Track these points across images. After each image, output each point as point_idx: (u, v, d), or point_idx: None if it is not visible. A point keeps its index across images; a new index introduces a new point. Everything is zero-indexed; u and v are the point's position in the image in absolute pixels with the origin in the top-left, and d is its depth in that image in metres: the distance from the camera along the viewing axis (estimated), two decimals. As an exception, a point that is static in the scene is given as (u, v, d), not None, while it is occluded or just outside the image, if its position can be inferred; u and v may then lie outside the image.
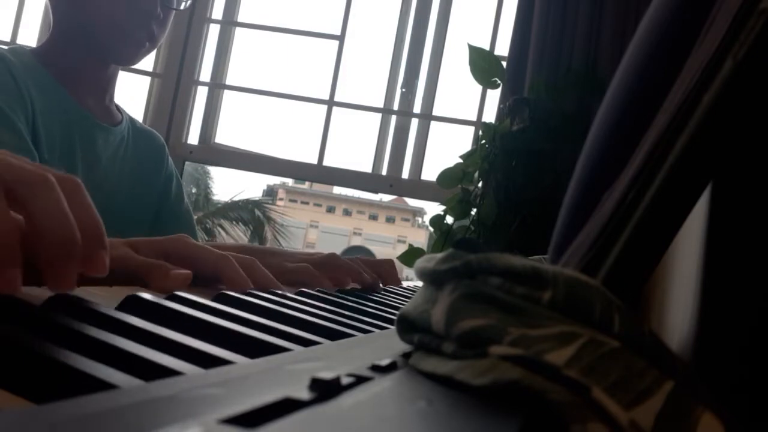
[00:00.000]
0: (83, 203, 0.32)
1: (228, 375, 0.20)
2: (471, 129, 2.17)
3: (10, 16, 2.47)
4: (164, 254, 0.49)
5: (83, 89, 1.01)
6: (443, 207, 1.84)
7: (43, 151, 0.90)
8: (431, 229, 1.88)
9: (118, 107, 1.10)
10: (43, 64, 0.97)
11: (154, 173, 1.12)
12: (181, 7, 1.05)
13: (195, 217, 1.26)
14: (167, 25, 1.03)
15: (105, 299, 0.32)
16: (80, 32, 0.98)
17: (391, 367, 0.22)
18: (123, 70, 1.08)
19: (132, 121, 1.12)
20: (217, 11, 2.41)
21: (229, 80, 2.43)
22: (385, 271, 0.91)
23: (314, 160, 2.27)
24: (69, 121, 0.96)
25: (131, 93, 2.10)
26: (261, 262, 0.54)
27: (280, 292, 0.49)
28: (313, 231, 29.42)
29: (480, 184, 1.80)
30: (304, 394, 0.16)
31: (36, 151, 0.88)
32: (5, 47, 0.96)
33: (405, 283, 0.94)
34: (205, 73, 2.38)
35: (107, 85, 1.05)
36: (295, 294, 0.51)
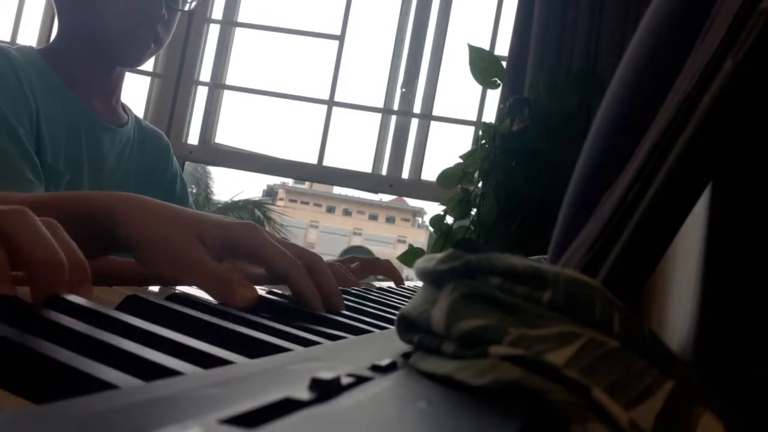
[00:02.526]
0: (63, 239, 0.32)
1: (228, 375, 0.20)
2: (471, 129, 2.17)
3: (10, 16, 2.47)
4: (232, 245, 0.47)
5: (90, 90, 1.01)
6: (443, 207, 1.84)
7: (47, 152, 0.90)
8: (431, 229, 1.88)
9: (124, 107, 1.10)
10: (49, 65, 0.97)
11: (159, 173, 1.13)
12: (186, 8, 1.05)
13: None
14: (173, 27, 1.03)
15: (105, 299, 0.32)
16: (86, 34, 0.98)
17: (391, 367, 0.22)
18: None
19: (138, 121, 1.12)
20: (217, 11, 2.41)
21: (229, 80, 2.43)
22: (385, 269, 0.91)
23: (314, 160, 2.27)
24: (75, 122, 0.96)
25: (131, 93, 2.10)
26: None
27: (280, 291, 0.49)
28: (313, 231, 29.42)
29: (480, 184, 1.80)
30: (304, 394, 0.16)
31: (39, 154, 0.88)
32: (12, 47, 0.96)
33: (405, 283, 0.94)
34: (205, 73, 2.38)
35: (114, 87, 1.05)
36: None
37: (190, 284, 0.45)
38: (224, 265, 0.45)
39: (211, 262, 0.44)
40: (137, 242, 0.46)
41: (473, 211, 1.78)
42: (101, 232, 0.47)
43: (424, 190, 2.21)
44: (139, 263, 0.46)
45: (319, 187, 27.22)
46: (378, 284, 0.87)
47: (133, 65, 1.03)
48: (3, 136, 0.83)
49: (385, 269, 0.93)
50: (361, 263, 0.88)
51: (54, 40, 1.02)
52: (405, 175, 2.25)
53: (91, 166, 0.98)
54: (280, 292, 0.52)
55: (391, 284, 0.91)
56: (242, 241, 0.47)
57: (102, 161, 1.00)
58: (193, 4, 1.06)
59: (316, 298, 0.46)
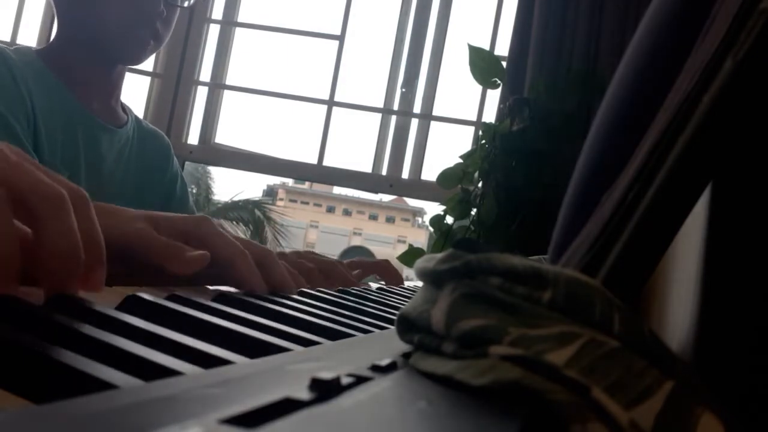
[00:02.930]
0: (88, 217, 0.33)
1: (228, 375, 0.20)
2: (471, 129, 2.17)
3: (10, 16, 2.47)
4: (184, 234, 0.48)
5: (88, 90, 1.00)
6: (443, 207, 1.84)
7: (44, 153, 0.90)
8: (431, 229, 1.88)
9: (124, 107, 1.10)
10: (47, 65, 0.96)
11: (159, 174, 1.12)
12: (185, 5, 1.05)
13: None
14: (172, 24, 1.03)
15: (105, 299, 0.32)
16: (84, 33, 0.98)
17: (391, 367, 0.22)
18: (123, 69, 1.08)
19: (138, 121, 1.12)
20: (217, 11, 2.41)
21: (229, 80, 2.43)
22: (385, 271, 0.91)
23: (314, 160, 2.27)
24: (72, 122, 0.96)
25: (131, 93, 2.10)
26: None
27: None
28: (313, 231, 29.43)
29: (480, 184, 1.80)
30: (304, 394, 0.16)
31: (37, 153, 0.88)
32: (10, 47, 0.96)
33: (405, 283, 0.94)
34: (205, 73, 2.38)
35: (113, 86, 1.05)
36: (295, 294, 0.51)
37: (175, 280, 0.45)
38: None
39: (162, 238, 0.46)
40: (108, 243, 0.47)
41: (473, 211, 1.78)
42: None
43: (424, 190, 2.21)
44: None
45: (319, 187, 27.23)
46: (377, 284, 0.87)
47: (132, 63, 1.03)
48: (3, 135, 0.83)
49: (386, 272, 0.92)
50: (363, 270, 0.87)
51: (53, 40, 1.02)
52: (405, 175, 2.26)
53: (88, 165, 0.97)
54: (310, 291, 0.52)
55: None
56: (192, 231, 0.49)
57: (100, 161, 1.00)
58: (192, 0, 1.06)
59: (256, 277, 0.48)
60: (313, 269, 0.66)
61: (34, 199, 0.30)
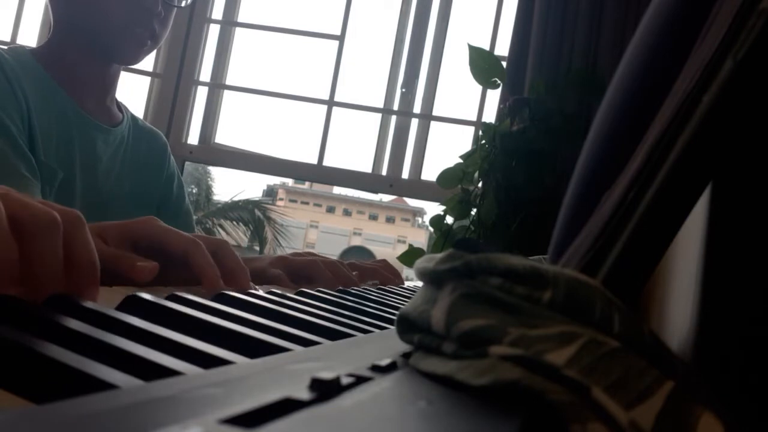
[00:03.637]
0: (83, 239, 0.33)
1: (228, 375, 0.20)
2: (471, 129, 2.17)
3: (10, 16, 2.47)
4: (132, 239, 0.48)
5: (83, 90, 1.00)
6: (443, 207, 1.84)
7: (39, 152, 0.90)
8: (431, 229, 1.88)
9: (120, 106, 1.09)
10: (42, 65, 0.96)
11: (155, 173, 1.12)
12: (182, 5, 1.05)
13: (195, 217, 1.26)
14: (169, 23, 1.03)
15: (105, 299, 0.32)
16: (81, 32, 0.98)
17: (391, 367, 0.22)
18: (123, 69, 1.08)
19: (134, 120, 1.11)
20: (217, 11, 2.41)
21: (229, 80, 2.43)
22: (382, 276, 0.91)
23: (314, 160, 2.27)
24: (67, 122, 0.96)
25: (131, 93, 2.11)
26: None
27: (279, 291, 0.49)
28: (313, 231, 29.42)
29: (480, 184, 1.80)
30: (304, 394, 0.16)
31: (32, 153, 0.88)
32: (4, 47, 0.96)
33: (405, 283, 0.94)
34: (205, 73, 2.38)
35: (109, 86, 1.05)
36: (295, 294, 0.51)
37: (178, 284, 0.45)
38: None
39: (110, 248, 0.46)
40: None
41: (473, 211, 1.78)
42: None
43: (424, 190, 2.21)
44: None
45: (319, 187, 27.24)
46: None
47: (129, 63, 1.03)
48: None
49: (385, 275, 0.91)
50: (360, 274, 0.87)
51: (48, 39, 1.02)
52: (405, 175, 2.26)
53: (83, 165, 0.97)
54: (310, 292, 0.52)
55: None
56: (142, 233, 0.49)
57: (95, 160, 1.00)
58: (190, 0, 1.06)
59: (214, 271, 0.48)
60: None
61: (28, 222, 0.30)
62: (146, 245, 0.48)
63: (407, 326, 0.25)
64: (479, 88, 2.03)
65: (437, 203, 2.00)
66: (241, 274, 0.50)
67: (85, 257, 0.33)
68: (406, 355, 0.25)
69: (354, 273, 0.82)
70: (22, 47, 1.00)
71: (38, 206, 0.31)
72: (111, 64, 1.02)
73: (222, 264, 0.49)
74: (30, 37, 2.54)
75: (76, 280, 0.32)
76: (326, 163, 2.27)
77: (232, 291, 0.44)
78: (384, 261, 0.96)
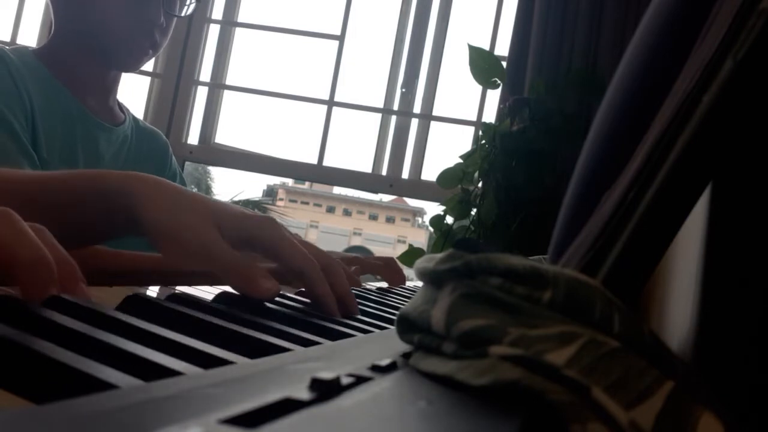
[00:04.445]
0: (50, 241, 0.32)
1: (228, 375, 0.20)
2: (471, 129, 2.17)
3: (10, 16, 2.47)
4: (249, 237, 0.46)
5: (86, 89, 1.01)
6: (443, 207, 1.84)
7: (43, 151, 0.90)
8: (431, 229, 1.88)
9: (121, 107, 1.10)
10: (44, 65, 0.97)
11: (157, 172, 1.12)
12: (183, 14, 1.05)
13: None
14: (170, 32, 1.03)
15: (105, 299, 0.32)
16: (83, 38, 0.98)
17: (391, 367, 0.22)
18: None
19: (135, 120, 1.12)
20: (217, 11, 2.41)
21: (229, 80, 2.43)
22: (388, 270, 0.90)
23: (314, 160, 2.27)
24: (70, 121, 0.96)
25: (131, 93, 2.11)
26: None
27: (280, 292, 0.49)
28: (313, 231, 29.42)
29: (480, 184, 1.80)
30: (304, 394, 0.16)
31: (35, 152, 0.88)
32: (7, 47, 0.96)
33: (406, 283, 0.94)
34: (205, 73, 2.38)
35: (110, 86, 1.05)
36: (295, 294, 0.51)
37: (195, 282, 0.45)
38: (244, 256, 0.44)
39: (233, 253, 0.43)
40: (156, 229, 0.45)
41: (473, 211, 1.78)
42: (115, 213, 0.46)
43: (424, 190, 2.21)
44: (157, 249, 0.45)
45: (319, 187, 27.23)
46: (377, 284, 0.87)
47: (129, 70, 1.04)
48: (2, 133, 0.83)
49: (388, 272, 0.91)
50: (362, 267, 0.87)
51: (49, 39, 1.02)
52: (405, 175, 2.26)
53: (86, 164, 0.98)
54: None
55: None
56: (260, 235, 0.46)
57: (98, 159, 1.00)
58: (191, 9, 1.06)
59: (333, 302, 0.46)
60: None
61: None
62: (261, 249, 0.46)
63: (407, 326, 0.25)
64: (479, 88, 2.03)
65: (437, 203, 2.00)
66: (351, 301, 0.48)
67: (56, 256, 0.31)
68: (406, 355, 0.25)
69: (354, 268, 0.82)
70: (25, 47, 1.01)
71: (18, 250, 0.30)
72: (111, 69, 1.03)
73: (332, 287, 0.47)
74: (30, 37, 2.54)
75: (63, 284, 0.30)
76: (326, 163, 2.27)
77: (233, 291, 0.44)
78: (390, 259, 0.95)
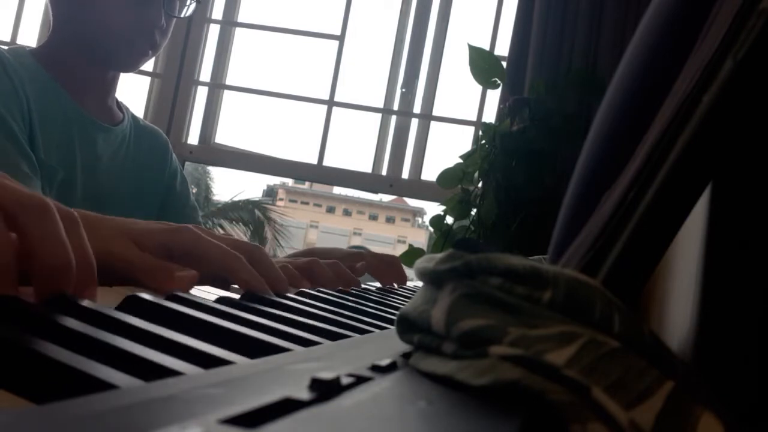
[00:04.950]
0: (79, 235, 0.32)
1: (228, 375, 0.20)
2: (471, 129, 2.17)
3: (10, 16, 2.47)
4: (167, 248, 0.47)
5: (83, 90, 1.01)
6: (443, 207, 1.84)
7: (40, 152, 0.90)
8: (431, 229, 1.88)
9: (120, 106, 1.10)
10: (42, 65, 0.97)
11: (156, 172, 1.12)
12: (182, 15, 1.06)
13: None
14: (170, 32, 1.03)
15: (105, 299, 0.32)
16: (82, 38, 0.98)
17: (391, 367, 0.22)
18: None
19: (134, 119, 1.12)
20: (217, 11, 2.41)
21: (229, 80, 2.43)
22: (391, 268, 0.90)
23: (314, 160, 2.27)
24: (68, 121, 0.96)
25: (131, 93, 2.11)
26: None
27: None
28: (313, 231, 29.43)
29: (480, 184, 1.80)
30: (304, 394, 0.16)
31: (33, 152, 0.88)
32: (5, 47, 0.96)
33: (406, 283, 0.94)
34: (205, 73, 2.38)
35: (109, 86, 1.05)
36: (295, 294, 0.51)
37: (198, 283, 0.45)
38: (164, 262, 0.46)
39: (147, 256, 0.45)
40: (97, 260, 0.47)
41: (473, 211, 1.78)
42: None
43: (424, 190, 2.21)
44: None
45: (319, 187, 27.25)
46: (377, 284, 0.87)
47: (128, 70, 1.04)
48: (1, 134, 0.83)
49: (390, 270, 0.91)
50: (366, 264, 0.87)
51: (47, 39, 1.02)
52: (405, 175, 2.26)
53: (84, 164, 0.97)
54: (310, 292, 0.52)
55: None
56: (176, 239, 0.48)
57: (96, 160, 1.00)
58: (191, 9, 1.07)
59: (261, 283, 0.48)
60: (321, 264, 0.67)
61: (18, 211, 0.29)
62: (181, 255, 0.47)
63: (407, 326, 0.25)
64: (479, 88, 2.03)
65: (437, 203, 2.00)
66: (281, 285, 0.51)
67: (81, 256, 0.32)
68: (406, 355, 0.25)
69: (360, 264, 0.82)
70: (22, 47, 1.01)
71: (27, 193, 0.30)
72: (110, 69, 1.03)
73: (264, 272, 0.49)
74: (30, 37, 2.54)
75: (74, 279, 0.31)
76: (326, 163, 2.27)
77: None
78: (395, 258, 0.95)
